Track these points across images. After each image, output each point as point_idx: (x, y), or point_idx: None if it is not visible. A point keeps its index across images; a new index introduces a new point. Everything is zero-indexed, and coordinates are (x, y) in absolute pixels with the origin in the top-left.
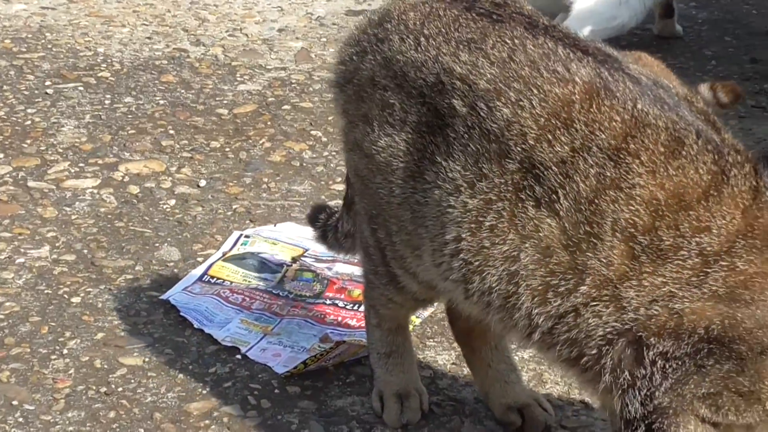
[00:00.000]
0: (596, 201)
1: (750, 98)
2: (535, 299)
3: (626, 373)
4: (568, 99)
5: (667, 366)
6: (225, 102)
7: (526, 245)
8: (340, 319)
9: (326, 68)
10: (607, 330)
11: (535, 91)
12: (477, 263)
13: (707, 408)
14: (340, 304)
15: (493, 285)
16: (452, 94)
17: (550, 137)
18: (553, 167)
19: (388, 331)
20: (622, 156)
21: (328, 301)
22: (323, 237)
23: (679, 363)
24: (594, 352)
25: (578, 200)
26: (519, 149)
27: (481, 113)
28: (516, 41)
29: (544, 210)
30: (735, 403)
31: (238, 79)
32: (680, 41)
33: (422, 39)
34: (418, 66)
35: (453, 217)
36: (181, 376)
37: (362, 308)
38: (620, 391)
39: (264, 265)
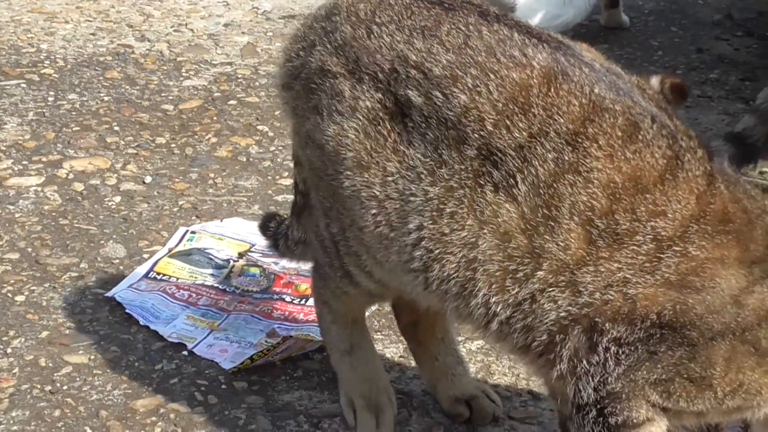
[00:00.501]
0: (554, 185)
1: (696, 88)
2: (493, 286)
3: (581, 360)
4: (525, 83)
5: (620, 352)
6: (170, 98)
7: (485, 231)
8: (287, 313)
9: (272, 63)
10: (562, 316)
11: (492, 77)
12: (437, 251)
13: (658, 394)
14: (287, 298)
15: (452, 272)
16: (408, 82)
17: (508, 123)
18: (511, 152)
19: (345, 326)
20: (580, 140)
21: (275, 296)
22: (275, 245)
23: (632, 349)
24: (549, 339)
25: (536, 184)
26: (477, 135)
27: (437, 101)
28: (471, 27)
29: (502, 195)
30: (686, 389)
31: (184, 74)
32: (627, 32)
33: (375, 27)
34: (372, 53)
35: (415, 206)
36: (127, 373)
37: (309, 302)
38: (574, 378)
39: (210, 261)
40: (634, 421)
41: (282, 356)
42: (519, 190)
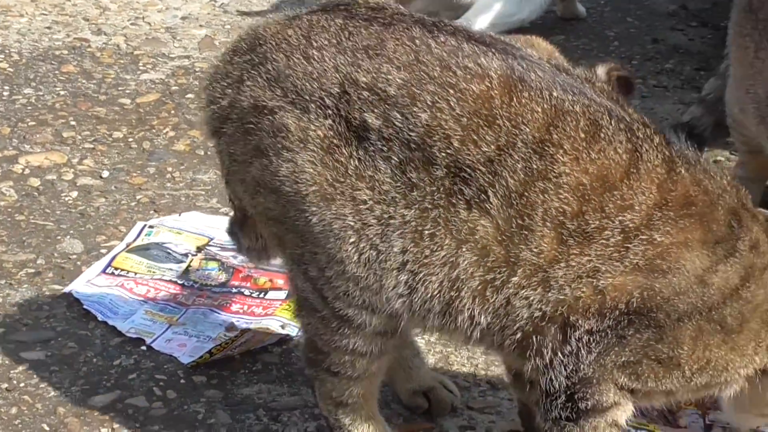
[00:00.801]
0: (526, 194)
1: (652, 78)
2: (476, 300)
3: (555, 353)
4: (486, 95)
5: (591, 340)
6: (128, 91)
7: (463, 249)
8: (246, 307)
9: None
10: (536, 315)
11: (452, 91)
12: (422, 273)
13: (627, 377)
14: (246, 292)
15: (435, 293)
16: (361, 104)
17: (474, 137)
18: (481, 167)
19: (368, 423)
20: (546, 147)
21: (233, 290)
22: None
23: (602, 335)
24: (523, 336)
25: (508, 196)
26: (444, 154)
27: (397, 122)
28: (418, 42)
29: (476, 211)
30: (654, 370)
31: (141, 68)
32: (583, 22)
33: (313, 51)
34: (316, 78)
35: (396, 229)
36: (84, 369)
37: (268, 296)
38: (546, 370)
39: (169, 256)
40: (603, 404)
41: (241, 350)
42: (491, 204)
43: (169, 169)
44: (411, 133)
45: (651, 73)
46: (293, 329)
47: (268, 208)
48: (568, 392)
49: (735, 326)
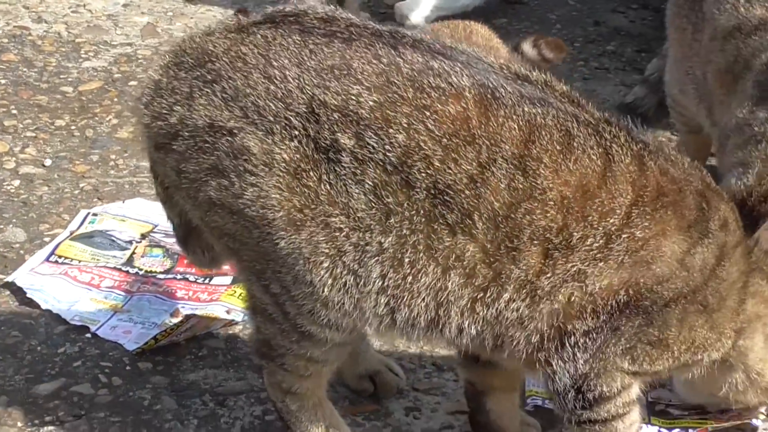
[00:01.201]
0: (512, 215)
1: (594, 60)
2: (464, 314)
3: (552, 358)
4: (463, 116)
5: (587, 341)
6: (69, 79)
7: (450, 274)
8: (191, 293)
9: (173, 42)
10: (529, 323)
11: (428, 113)
12: (405, 297)
13: (626, 361)
14: (191, 278)
15: (421, 312)
16: (331, 126)
17: (455, 157)
18: (464, 189)
19: (314, 408)
20: (528, 163)
21: (178, 276)
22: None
23: (598, 333)
24: (525, 342)
25: (494, 218)
26: (424, 175)
27: (371, 142)
28: (384, 60)
29: (460, 236)
30: (648, 352)
31: (83, 55)
32: (525, 6)
33: (274, 72)
34: (280, 99)
35: (373, 256)
36: (29, 357)
37: (213, 281)
38: (549, 372)
39: (113, 243)
40: (612, 391)
41: (186, 335)
42: (477, 227)
43: (113, 156)
44: (388, 154)
45: (593, 56)
46: (239, 314)
47: (225, 226)
48: (576, 387)
49: (715, 305)
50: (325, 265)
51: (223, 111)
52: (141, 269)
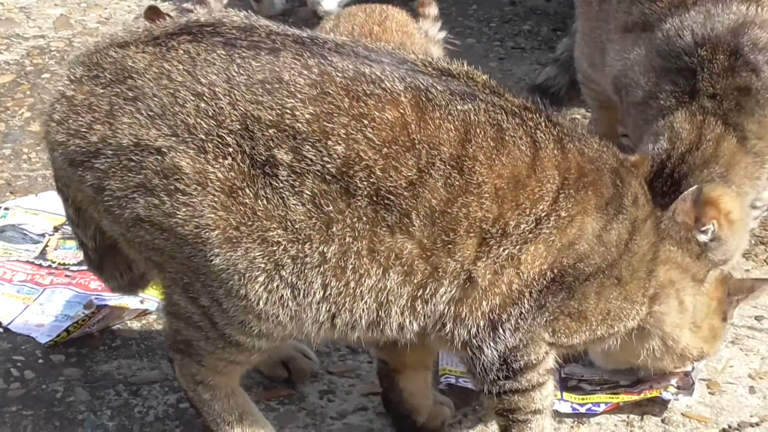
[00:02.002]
0: (448, 211)
1: (510, 40)
2: (405, 313)
3: (484, 342)
4: (401, 122)
5: (521, 321)
6: None
7: (390, 273)
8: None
9: (87, 34)
10: (463, 311)
11: (366, 122)
12: (347, 302)
13: (548, 333)
14: None
15: (362, 314)
16: (267, 142)
17: (395, 164)
18: (403, 192)
19: (227, 397)
20: (465, 162)
21: None
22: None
23: (530, 312)
24: (459, 334)
25: (430, 215)
26: (366, 183)
27: (309, 155)
28: (315, 70)
29: (399, 236)
30: (567, 324)
31: None
32: None
33: (203, 89)
34: (212, 116)
35: (314, 267)
36: None
37: None
38: (479, 351)
39: (25, 236)
40: (534, 361)
41: (100, 326)
42: (414, 225)
43: (25, 150)
44: (327, 166)
45: (509, 35)
46: (152, 304)
47: (152, 242)
48: (502, 359)
49: (628, 278)
50: (261, 279)
51: (149, 129)
52: (54, 262)
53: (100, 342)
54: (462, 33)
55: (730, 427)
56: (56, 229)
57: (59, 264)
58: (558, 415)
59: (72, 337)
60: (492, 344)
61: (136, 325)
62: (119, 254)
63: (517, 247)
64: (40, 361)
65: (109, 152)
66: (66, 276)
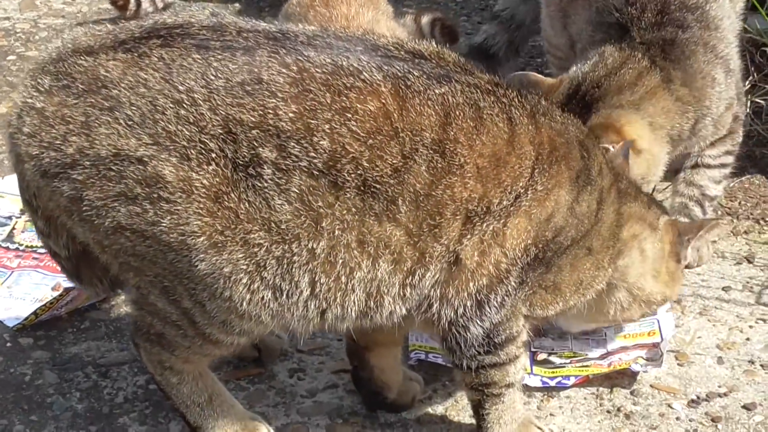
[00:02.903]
0: (433, 194)
1: (476, 15)
2: (396, 299)
3: (471, 321)
4: (384, 111)
5: (506, 299)
6: None
7: (380, 262)
8: None
9: (53, 15)
10: (450, 293)
11: (349, 115)
12: (338, 296)
13: (525, 306)
14: None
15: (353, 306)
16: (251, 143)
17: (380, 153)
18: (389, 179)
19: (195, 380)
20: (447, 145)
21: None
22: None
23: (515, 289)
24: (445, 313)
25: (415, 200)
26: (354, 175)
27: (295, 152)
28: (294, 67)
29: (386, 223)
30: (543, 297)
31: None
32: None
33: (181, 95)
34: (192, 123)
35: (301, 265)
36: None
37: None
38: (458, 331)
39: None
40: (514, 334)
41: (68, 308)
42: (401, 211)
43: None
44: (314, 161)
45: (475, 10)
46: None
47: (133, 248)
48: (486, 335)
49: (598, 247)
50: (245, 281)
51: (129, 139)
52: (21, 244)
53: (69, 324)
54: (428, 9)
55: (698, 397)
56: (23, 211)
57: (27, 246)
58: (528, 389)
59: (40, 320)
60: (479, 322)
61: (105, 306)
62: (94, 259)
63: (501, 221)
64: (8, 344)
65: (87, 163)
66: (33, 258)
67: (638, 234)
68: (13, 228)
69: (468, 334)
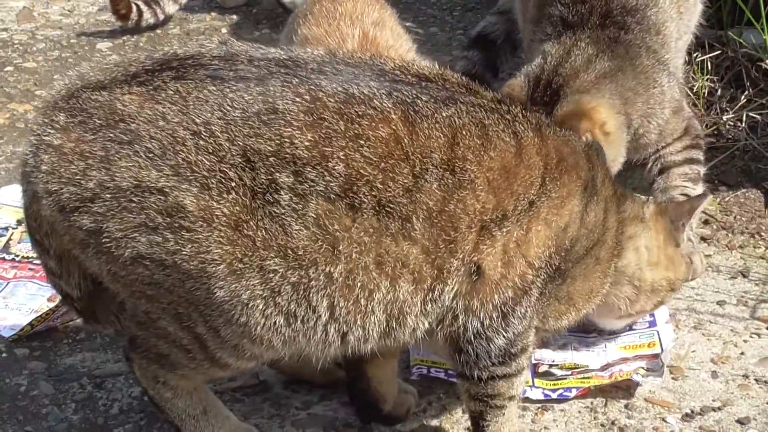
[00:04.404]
0: (446, 209)
1: (472, 28)
2: (419, 316)
3: (496, 332)
4: (394, 137)
5: (528, 309)
6: None
7: (400, 283)
8: None
9: (50, 26)
10: (475, 305)
11: (362, 142)
12: (358, 319)
13: (539, 321)
14: None
15: (375, 327)
16: (268, 170)
17: (393, 176)
18: (402, 199)
19: (190, 394)
20: (456, 163)
21: None
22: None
23: (537, 300)
24: (471, 324)
25: (430, 216)
26: (369, 197)
27: (311, 177)
28: (307, 97)
29: (402, 242)
30: (556, 308)
31: None
32: None
33: (199, 128)
34: (212, 153)
35: (318, 290)
36: None
37: None
38: (488, 342)
39: None
40: (527, 345)
41: (64, 320)
42: (415, 229)
43: None
44: (331, 185)
45: (472, 24)
46: None
47: (150, 277)
48: (506, 346)
49: (604, 255)
50: (261, 307)
51: (150, 171)
52: (17, 255)
53: (64, 335)
54: (425, 22)
55: (692, 411)
56: (20, 222)
57: (23, 257)
58: (530, 402)
59: (36, 331)
60: (504, 333)
61: None
62: (106, 295)
63: (522, 228)
64: (4, 355)
65: (108, 195)
66: (30, 269)
67: (633, 234)
68: (10, 239)
69: (491, 345)
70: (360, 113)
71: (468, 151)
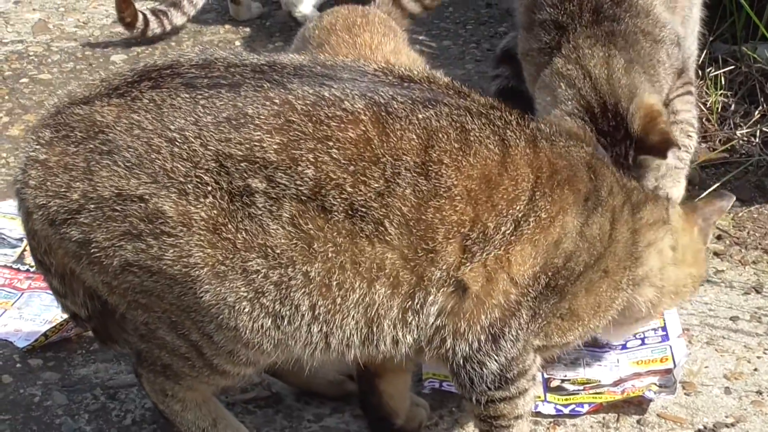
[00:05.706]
0: (422, 217)
1: (486, 42)
2: (398, 326)
3: (487, 356)
4: (364, 138)
5: (520, 332)
6: None
7: (376, 285)
8: None
9: (65, 38)
10: (462, 326)
11: (331, 143)
12: (337, 320)
13: (540, 339)
14: None
15: (354, 331)
16: (241, 174)
17: (363, 178)
18: (373, 203)
19: (199, 406)
20: (430, 167)
21: None
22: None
23: (527, 322)
24: (460, 347)
25: (406, 223)
26: (339, 200)
27: (282, 181)
28: (277, 101)
29: (378, 246)
30: (559, 326)
31: None
32: None
33: (173, 134)
34: (186, 159)
35: (299, 289)
36: None
37: None
38: (480, 367)
39: (3, 241)
40: (526, 368)
41: (77, 330)
42: (390, 234)
43: (3, 154)
44: (301, 188)
45: (485, 37)
46: None
47: (141, 284)
48: (499, 370)
49: (614, 267)
50: (247, 309)
51: (129, 179)
52: (32, 266)
53: (78, 346)
54: (438, 35)
55: (705, 427)
56: None
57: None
58: (541, 417)
59: (50, 341)
60: (495, 357)
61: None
62: (119, 315)
63: (503, 248)
64: (18, 365)
65: (92, 206)
66: (44, 280)
67: (653, 240)
68: (24, 250)
69: (484, 370)
70: (329, 115)
71: (444, 156)
